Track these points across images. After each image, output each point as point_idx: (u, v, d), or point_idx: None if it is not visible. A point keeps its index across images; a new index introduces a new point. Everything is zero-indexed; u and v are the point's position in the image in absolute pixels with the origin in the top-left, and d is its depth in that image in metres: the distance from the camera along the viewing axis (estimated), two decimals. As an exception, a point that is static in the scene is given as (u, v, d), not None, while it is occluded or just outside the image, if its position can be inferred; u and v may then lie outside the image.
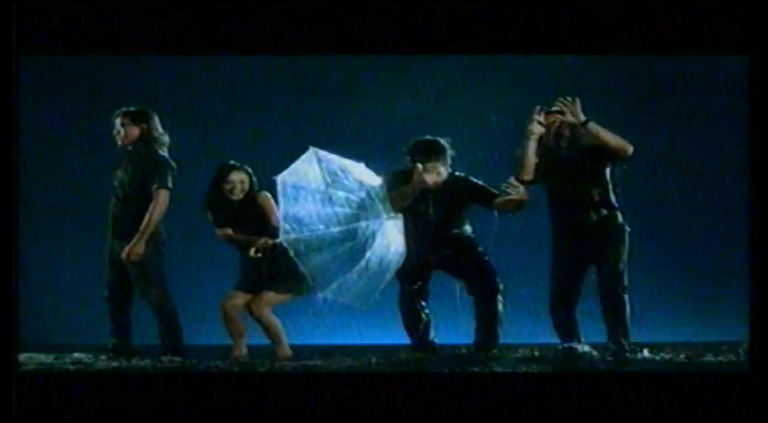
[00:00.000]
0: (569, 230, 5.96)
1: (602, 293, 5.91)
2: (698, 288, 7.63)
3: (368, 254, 5.99)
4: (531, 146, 5.93)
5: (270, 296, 6.31)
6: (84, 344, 6.46)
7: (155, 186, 6.15)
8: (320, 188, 6.00)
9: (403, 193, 6.12)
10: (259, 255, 6.23)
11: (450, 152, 6.17)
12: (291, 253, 5.88)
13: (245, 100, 8.02)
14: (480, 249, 6.25)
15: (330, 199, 5.99)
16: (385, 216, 6.06)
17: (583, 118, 5.87)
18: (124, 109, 6.30)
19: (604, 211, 5.94)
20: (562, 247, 6.00)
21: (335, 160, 6.09)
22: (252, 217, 6.34)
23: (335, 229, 5.98)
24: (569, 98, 5.90)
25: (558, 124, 5.95)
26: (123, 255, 6.14)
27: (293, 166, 6.00)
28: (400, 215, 6.12)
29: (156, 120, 6.30)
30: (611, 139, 5.84)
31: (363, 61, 7.57)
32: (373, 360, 5.78)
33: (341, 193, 6.03)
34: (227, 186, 6.32)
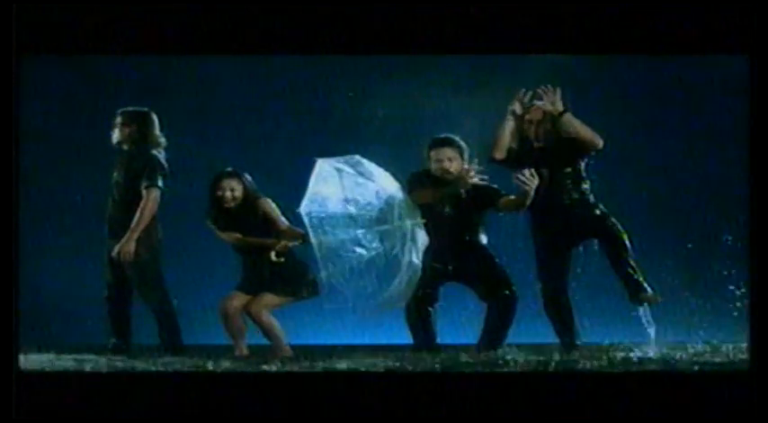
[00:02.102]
0: (545, 212, 6.07)
1: (611, 260, 6.03)
2: (698, 288, 7.62)
3: (402, 266, 6.03)
4: (508, 126, 6.14)
5: (269, 298, 6.31)
6: (84, 344, 6.46)
7: (144, 185, 6.18)
8: (344, 213, 6.01)
9: (430, 192, 6.16)
10: (282, 259, 6.24)
11: (465, 148, 6.22)
12: (335, 284, 5.93)
13: (246, 100, 8.01)
14: (496, 259, 6.28)
15: (356, 221, 6.01)
16: (409, 223, 6.07)
17: (561, 108, 6.07)
18: (122, 109, 6.33)
19: (575, 195, 6.09)
20: (541, 231, 6.14)
21: (346, 170, 6.08)
22: (254, 223, 6.34)
23: (370, 254, 6.01)
24: (550, 86, 6.09)
25: (539, 117, 6.12)
26: (113, 254, 6.16)
27: (311, 190, 5.97)
28: (423, 221, 6.14)
29: (153, 121, 6.31)
30: (584, 131, 6.04)
31: (366, 62, 7.55)
32: (374, 360, 5.77)
33: (363, 213, 6.05)
34: (219, 193, 6.34)
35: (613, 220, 6.07)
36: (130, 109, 6.34)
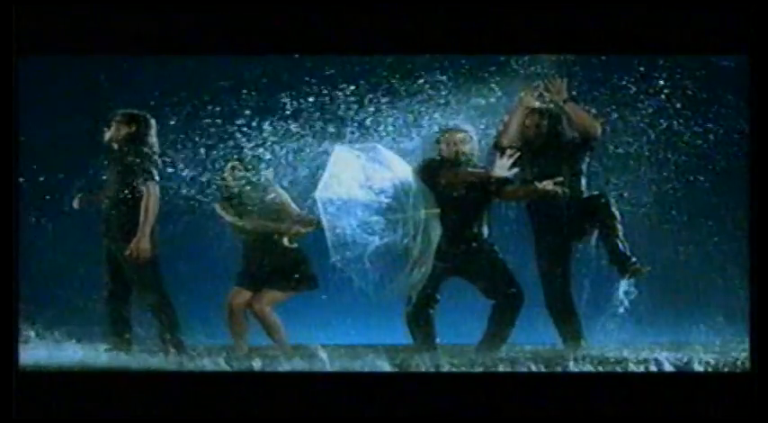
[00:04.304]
0: (543, 208, 6.19)
1: (603, 236, 6.14)
2: (698, 288, 7.62)
3: (412, 257, 6.04)
4: (519, 114, 6.28)
5: (272, 294, 6.34)
6: (83, 343, 6.46)
7: (140, 180, 6.17)
8: (358, 199, 6.04)
9: (442, 175, 6.22)
10: (294, 245, 6.29)
11: (474, 136, 6.34)
12: (348, 271, 5.94)
13: (246, 100, 8.00)
14: (500, 256, 6.31)
15: (370, 208, 6.03)
16: (423, 212, 6.08)
17: (566, 96, 6.26)
18: (122, 110, 6.35)
19: (572, 190, 6.20)
20: (540, 226, 6.26)
21: (363, 157, 6.10)
22: (263, 212, 6.37)
23: (382, 241, 6.01)
24: (557, 77, 6.30)
25: (536, 121, 6.28)
26: (129, 252, 6.12)
27: (327, 176, 6.01)
28: (437, 211, 6.15)
29: (151, 125, 6.32)
30: (585, 117, 6.26)
31: (366, 62, 7.55)
32: (374, 360, 5.77)
33: (378, 200, 6.07)
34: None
35: (606, 199, 6.19)
36: (126, 111, 6.35)
